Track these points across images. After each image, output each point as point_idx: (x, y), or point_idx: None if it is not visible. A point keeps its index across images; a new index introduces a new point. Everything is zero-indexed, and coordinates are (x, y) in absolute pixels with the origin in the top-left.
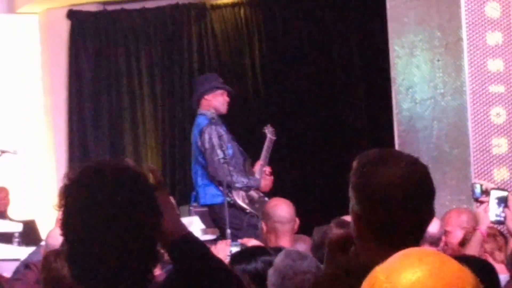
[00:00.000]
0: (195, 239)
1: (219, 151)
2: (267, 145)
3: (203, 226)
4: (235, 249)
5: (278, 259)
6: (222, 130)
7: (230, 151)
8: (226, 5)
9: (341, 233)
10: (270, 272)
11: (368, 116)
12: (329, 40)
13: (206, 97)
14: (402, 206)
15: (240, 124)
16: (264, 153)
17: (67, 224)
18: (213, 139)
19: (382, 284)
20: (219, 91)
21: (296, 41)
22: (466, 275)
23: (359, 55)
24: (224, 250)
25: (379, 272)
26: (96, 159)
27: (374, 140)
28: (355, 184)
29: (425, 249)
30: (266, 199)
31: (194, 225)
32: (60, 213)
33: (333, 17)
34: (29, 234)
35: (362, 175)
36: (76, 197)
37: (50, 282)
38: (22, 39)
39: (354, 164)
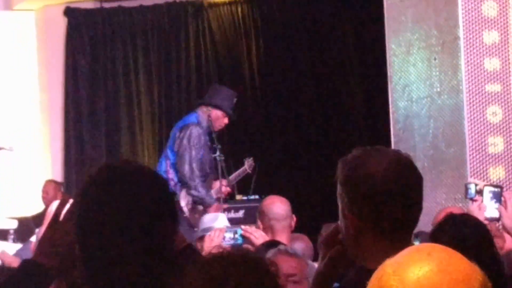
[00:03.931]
0: (197, 250)
1: (193, 152)
2: (239, 173)
3: (227, 223)
4: (229, 235)
5: (271, 254)
6: (203, 138)
7: (200, 160)
8: (223, 3)
9: (331, 230)
10: None
11: (365, 114)
12: (326, 37)
13: (210, 109)
14: (391, 194)
15: (237, 122)
16: (233, 177)
17: (82, 225)
18: (194, 139)
19: (389, 277)
20: (222, 114)
21: (293, 39)
22: (474, 271)
23: (356, 53)
24: (219, 237)
25: (388, 266)
26: (114, 159)
27: (371, 138)
28: (343, 179)
29: (435, 244)
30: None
31: (219, 221)
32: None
33: (330, 14)
34: (24, 231)
35: (349, 169)
36: (93, 198)
37: None
38: (18, 36)
39: (340, 163)
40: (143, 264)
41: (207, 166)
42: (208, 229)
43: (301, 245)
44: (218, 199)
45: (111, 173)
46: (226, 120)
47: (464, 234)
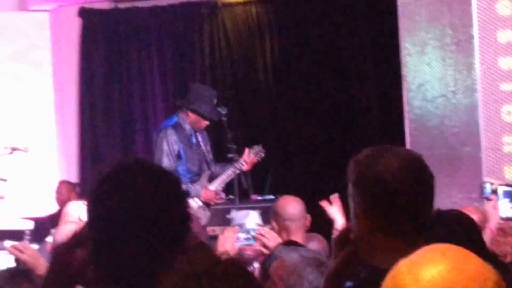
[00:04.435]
0: (210, 247)
1: (165, 159)
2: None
3: (259, 221)
4: (243, 236)
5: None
6: (176, 138)
7: (182, 159)
8: (237, 3)
9: (342, 229)
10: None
11: (379, 113)
12: (340, 37)
13: (189, 112)
14: (402, 194)
15: (252, 122)
16: (225, 176)
17: (95, 222)
18: (164, 146)
19: (404, 276)
20: (203, 115)
21: (307, 39)
22: (488, 271)
23: (370, 52)
24: (232, 237)
25: (402, 265)
26: (127, 157)
27: (385, 138)
28: (355, 179)
29: (449, 245)
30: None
31: (250, 218)
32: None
33: (344, 14)
34: (40, 232)
35: (360, 169)
36: (105, 197)
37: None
38: (33, 37)
39: (351, 164)
40: (154, 261)
41: (194, 165)
42: (240, 226)
43: (316, 244)
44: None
45: (122, 172)
46: (207, 122)
47: (454, 230)
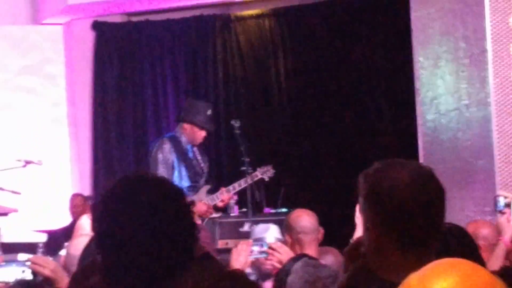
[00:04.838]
0: (214, 257)
1: (160, 169)
2: (241, 183)
3: (278, 235)
4: (256, 249)
5: (298, 266)
6: (171, 148)
7: (175, 171)
8: (250, 16)
9: (353, 243)
10: (290, 278)
11: (393, 127)
12: (353, 50)
13: (184, 125)
14: (412, 207)
15: (265, 134)
16: (232, 188)
17: (103, 235)
18: (158, 155)
19: None
20: (198, 126)
21: (320, 52)
22: (497, 283)
23: (383, 66)
24: (246, 250)
25: (413, 279)
26: (133, 171)
27: (398, 151)
28: (365, 193)
29: (458, 259)
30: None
31: (270, 232)
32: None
33: (358, 27)
34: (53, 244)
35: (371, 183)
36: (111, 210)
37: None
38: (46, 50)
39: (361, 177)
40: (160, 272)
41: (187, 177)
42: (260, 240)
43: (331, 258)
44: (216, 207)
45: (127, 185)
46: (202, 133)
47: (449, 243)
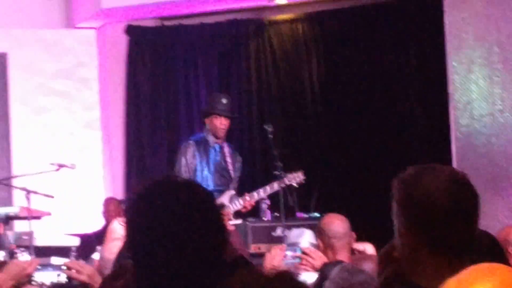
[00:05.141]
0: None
1: (183, 172)
2: (269, 188)
3: (313, 240)
4: (290, 254)
5: (334, 272)
6: (195, 152)
7: (197, 174)
8: (284, 21)
9: (386, 248)
10: (327, 284)
11: (426, 132)
12: (386, 55)
13: (206, 120)
14: (446, 213)
15: (297, 140)
16: (260, 193)
17: (133, 238)
18: (182, 159)
19: None
20: (214, 116)
21: (354, 57)
22: None
23: (416, 71)
24: (279, 255)
25: (451, 284)
26: (163, 175)
27: (432, 156)
28: (400, 198)
29: (496, 264)
30: None
31: (305, 237)
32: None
33: (391, 32)
34: (86, 248)
35: (405, 188)
36: (144, 213)
37: None
38: (80, 54)
39: (395, 182)
40: (193, 275)
41: (210, 180)
42: (294, 245)
43: (370, 265)
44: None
45: (157, 189)
46: (222, 121)
47: (478, 250)
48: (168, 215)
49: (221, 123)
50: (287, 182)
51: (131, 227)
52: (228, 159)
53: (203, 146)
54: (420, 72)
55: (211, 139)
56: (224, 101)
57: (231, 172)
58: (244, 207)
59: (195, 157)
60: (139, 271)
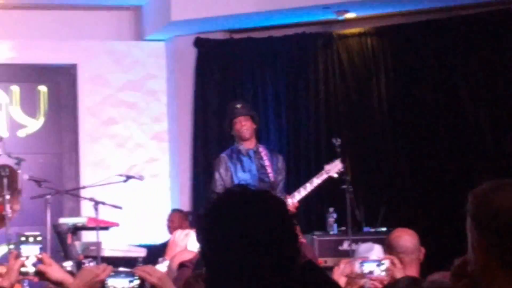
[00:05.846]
0: (317, 265)
1: (219, 186)
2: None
3: (382, 256)
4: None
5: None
6: (228, 164)
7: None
8: (353, 35)
9: (459, 262)
10: None
11: (495, 146)
12: (456, 67)
13: (230, 131)
14: None
15: (365, 153)
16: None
17: (207, 248)
18: (216, 175)
19: None
20: (233, 122)
21: (423, 70)
22: None
23: (486, 85)
24: (346, 269)
25: None
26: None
27: (501, 170)
28: (475, 214)
29: None
30: None
31: (374, 252)
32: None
33: (461, 46)
34: (153, 259)
35: (479, 203)
36: (218, 223)
37: None
38: (149, 66)
39: (470, 197)
40: (271, 283)
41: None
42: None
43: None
44: None
45: (231, 199)
46: (241, 121)
47: None
48: (243, 225)
49: (241, 124)
50: (326, 175)
51: (204, 236)
52: (266, 162)
53: (235, 156)
54: (490, 86)
55: (242, 147)
56: (238, 105)
57: (270, 174)
58: None
59: (228, 169)
60: (212, 280)
